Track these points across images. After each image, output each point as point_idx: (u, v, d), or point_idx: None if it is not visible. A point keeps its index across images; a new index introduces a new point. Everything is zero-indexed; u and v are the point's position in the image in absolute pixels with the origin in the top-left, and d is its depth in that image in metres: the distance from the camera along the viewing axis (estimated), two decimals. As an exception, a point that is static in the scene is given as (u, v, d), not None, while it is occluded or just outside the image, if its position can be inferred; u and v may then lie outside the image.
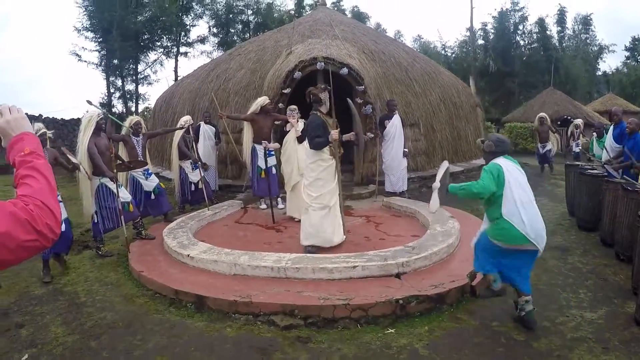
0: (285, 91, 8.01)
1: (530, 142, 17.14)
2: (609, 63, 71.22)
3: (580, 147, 12.09)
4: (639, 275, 4.08)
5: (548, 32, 28.53)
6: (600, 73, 33.83)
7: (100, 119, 5.34)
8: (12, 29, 55.42)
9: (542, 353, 3.27)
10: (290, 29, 10.29)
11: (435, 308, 3.95)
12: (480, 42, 28.95)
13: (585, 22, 31.33)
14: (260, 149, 6.99)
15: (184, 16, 25.61)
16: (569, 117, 16.30)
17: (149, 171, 6.64)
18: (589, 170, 6.75)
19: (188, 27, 25.99)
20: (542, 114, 12.13)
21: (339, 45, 8.86)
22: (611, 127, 7.28)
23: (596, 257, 5.35)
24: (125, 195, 5.60)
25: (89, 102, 5.42)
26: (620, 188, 5.22)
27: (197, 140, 7.80)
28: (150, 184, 6.54)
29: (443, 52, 31.53)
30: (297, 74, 7.93)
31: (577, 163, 8.08)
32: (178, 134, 7.36)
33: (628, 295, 4.18)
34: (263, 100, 7.14)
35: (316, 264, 4.29)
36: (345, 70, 7.89)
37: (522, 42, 28.68)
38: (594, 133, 8.36)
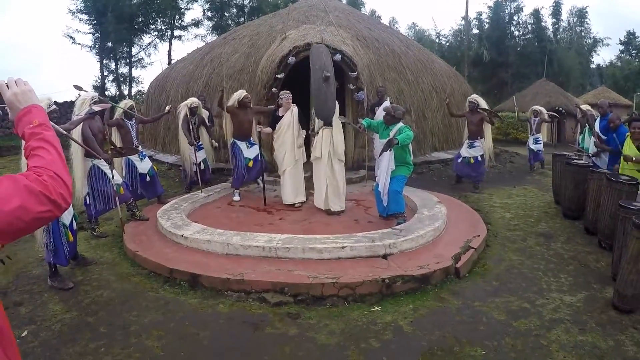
0: (279, 76, 8.08)
1: (521, 132, 17.29)
2: (603, 56, 71.66)
3: (541, 144, 10.60)
4: (618, 262, 4.20)
5: (543, 24, 28.58)
6: (594, 66, 34.04)
7: (93, 101, 5.38)
8: (9, 13, 54.44)
9: (521, 332, 3.43)
10: (285, 14, 10.31)
11: (420, 288, 4.12)
12: (475, 31, 28.94)
13: (581, 14, 31.37)
14: (241, 144, 7.00)
15: (179, -1, 25.47)
16: (561, 109, 16.43)
17: (143, 153, 6.74)
18: (574, 160, 6.84)
19: (182, 10, 25.81)
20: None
21: (333, 32, 8.93)
22: (598, 119, 7.37)
23: (579, 245, 5.50)
24: (116, 177, 5.69)
25: (78, 88, 5.43)
26: (604, 178, 5.35)
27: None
28: (145, 166, 6.65)
29: (437, 40, 31.50)
30: (291, 59, 7.99)
31: (564, 153, 8.07)
32: (181, 116, 7.46)
33: (607, 281, 4.31)
34: (239, 94, 7.01)
35: (306, 244, 4.45)
36: (338, 57, 7.96)
37: (516, 33, 28.68)
38: (586, 125, 8.49)
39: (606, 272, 4.56)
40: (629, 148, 5.54)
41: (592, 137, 7.43)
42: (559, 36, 30.32)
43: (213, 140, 8.11)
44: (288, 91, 6.75)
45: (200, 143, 7.74)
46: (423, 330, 3.46)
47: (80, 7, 22.10)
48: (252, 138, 7.07)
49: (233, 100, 7.01)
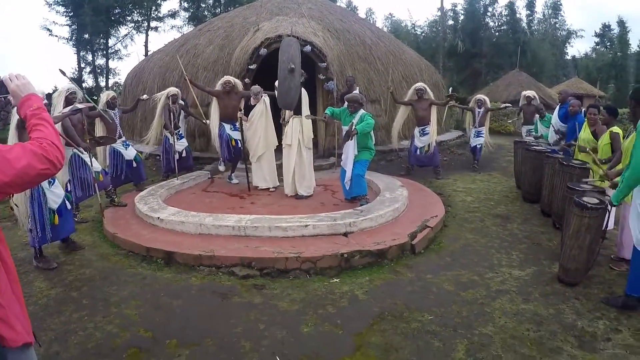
0: (251, 67, 8.41)
1: (493, 121, 17.76)
2: (579, 48, 72.98)
3: (482, 139, 9.46)
4: (564, 239, 4.32)
5: (518, 16, 29.29)
6: (569, 57, 34.88)
7: (69, 94, 5.63)
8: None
9: (468, 301, 3.76)
10: (259, 6, 10.57)
11: (377, 262, 4.53)
12: (450, 22, 29.45)
13: (555, 7, 32.17)
14: (226, 126, 7.32)
15: (156, -11, 25.33)
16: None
17: (127, 142, 7.05)
18: (533, 146, 7.13)
19: (159, 1, 25.73)
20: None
21: (304, 24, 9.25)
22: (557, 107, 7.65)
23: (534, 225, 5.83)
24: (95, 165, 5.95)
25: (62, 72, 5.63)
26: (557, 162, 5.66)
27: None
28: (131, 153, 7.00)
29: (413, 31, 31.93)
30: (263, 51, 8.31)
31: (525, 140, 8.24)
32: (160, 105, 7.69)
33: (557, 258, 4.51)
34: (222, 80, 7.34)
35: (272, 223, 4.84)
36: (308, 48, 8.30)
37: (491, 24, 29.36)
38: (537, 115, 8.95)
39: (557, 250, 4.81)
40: (584, 133, 5.78)
41: (551, 126, 7.75)
42: (533, 28, 31.04)
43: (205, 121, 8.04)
44: (258, 86, 7.05)
45: (180, 132, 8.02)
46: (376, 298, 3.82)
47: None
48: (237, 123, 7.29)
49: (218, 85, 7.39)
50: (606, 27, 35.44)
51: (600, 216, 3.92)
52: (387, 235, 4.93)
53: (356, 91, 8.36)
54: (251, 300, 3.79)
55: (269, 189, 7.11)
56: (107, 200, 6.42)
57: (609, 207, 3.92)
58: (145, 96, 7.71)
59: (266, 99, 7.00)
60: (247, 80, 8.32)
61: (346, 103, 6.15)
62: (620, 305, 3.62)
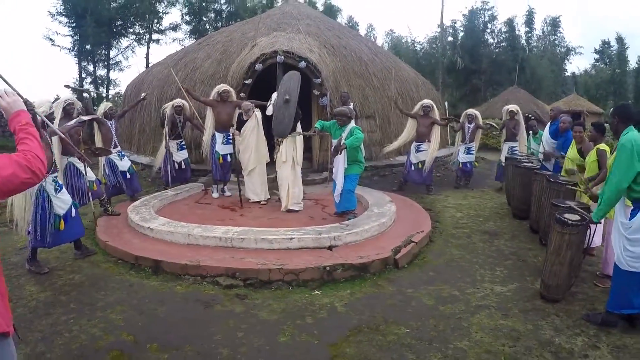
0: (246, 82, 8.60)
1: (490, 138, 17.92)
2: (578, 65, 73.56)
3: (473, 156, 9.24)
4: (547, 255, 4.31)
5: (517, 32, 29.63)
6: (569, 74, 35.17)
7: (67, 105, 5.78)
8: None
9: (446, 315, 3.81)
10: (258, 22, 10.80)
11: (359, 276, 4.62)
12: (450, 38, 29.81)
13: (554, 23, 32.54)
14: (219, 136, 7.49)
15: (157, 3, 25.80)
16: (530, 115, 17.10)
17: (122, 153, 7.23)
18: (523, 163, 7.15)
19: (161, 14, 26.23)
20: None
21: (301, 39, 9.47)
22: (548, 124, 7.63)
23: (522, 242, 5.87)
24: (90, 174, 6.10)
25: (67, 86, 5.82)
26: (544, 179, 5.71)
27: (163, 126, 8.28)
28: (125, 164, 7.16)
29: (412, 47, 32.31)
30: (258, 66, 8.51)
31: (516, 157, 8.03)
32: (167, 115, 7.98)
33: (541, 274, 4.39)
34: (219, 88, 7.56)
35: (258, 235, 4.97)
36: (303, 64, 8.50)
37: (490, 41, 29.73)
38: (530, 131, 9.05)
39: (542, 267, 4.60)
40: (571, 151, 5.85)
41: (541, 142, 7.80)
42: (532, 44, 31.36)
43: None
44: (249, 102, 7.24)
45: (183, 142, 8.19)
46: (355, 310, 3.89)
47: (60, 9, 22.46)
48: (230, 133, 7.43)
49: (214, 93, 7.58)
50: (605, 44, 35.79)
51: (581, 233, 3.98)
52: (371, 250, 5.03)
53: (350, 106, 8.55)
54: (233, 309, 3.90)
55: (260, 202, 7.24)
56: (101, 209, 6.55)
57: (591, 223, 3.93)
58: (143, 94, 8.08)
59: (258, 114, 7.17)
60: (242, 94, 8.49)
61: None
62: (600, 322, 3.64)
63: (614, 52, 33.93)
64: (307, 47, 9.09)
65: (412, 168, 8.72)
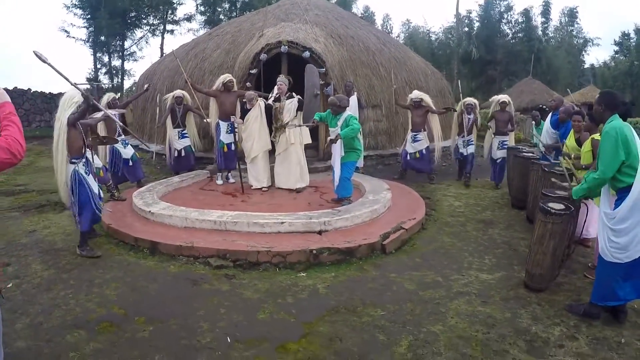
0: (252, 72, 8.79)
1: None
2: (597, 56, 71.36)
3: (472, 147, 8.76)
4: (531, 244, 4.31)
5: (533, 23, 29.07)
6: (587, 66, 34.36)
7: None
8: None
9: (425, 300, 3.89)
10: (267, 12, 10.97)
11: (345, 260, 4.78)
12: (465, 29, 29.43)
13: (572, 14, 31.76)
14: (223, 125, 7.74)
15: (172, -6, 26.17)
16: (544, 107, 16.90)
17: (127, 141, 7.51)
18: (522, 153, 7.19)
19: (175, 5, 26.52)
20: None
21: (307, 30, 9.58)
22: (550, 114, 7.60)
23: (516, 231, 5.89)
24: (97, 161, 6.38)
25: (75, 85, 6.00)
26: (540, 169, 5.73)
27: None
28: (128, 152, 7.44)
29: (427, 37, 31.99)
30: (263, 56, 8.68)
31: (518, 147, 8.09)
32: (167, 105, 8.39)
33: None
34: (224, 77, 7.80)
35: (250, 220, 5.19)
36: (307, 54, 8.63)
37: (506, 31, 29.26)
38: (533, 121, 8.99)
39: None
40: (569, 140, 5.83)
41: (543, 132, 7.78)
42: (548, 35, 30.73)
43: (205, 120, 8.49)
44: (252, 92, 7.48)
45: (184, 131, 8.48)
46: (336, 292, 4.04)
47: (75, 1, 23.04)
48: (234, 122, 7.70)
49: (218, 83, 7.82)
50: (625, 36, 34.76)
51: (564, 222, 3.96)
52: (360, 235, 5.18)
53: (354, 96, 8.68)
54: (219, 288, 4.13)
55: (261, 188, 7.46)
56: (108, 195, 6.87)
57: (578, 212, 3.94)
58: (146, 86, 8.46)
59: (261, 103, 7.35)
60: (248, 84, 8.68)
61: None
62: (582, 313, 3.62)
63: (633, 43, 32.94)
64: (312, 37, 9.21)
65: (409, 157, 8.83)
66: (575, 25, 31.89)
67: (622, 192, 3.35)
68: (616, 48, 34.70)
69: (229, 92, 7.75)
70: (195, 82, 9.44)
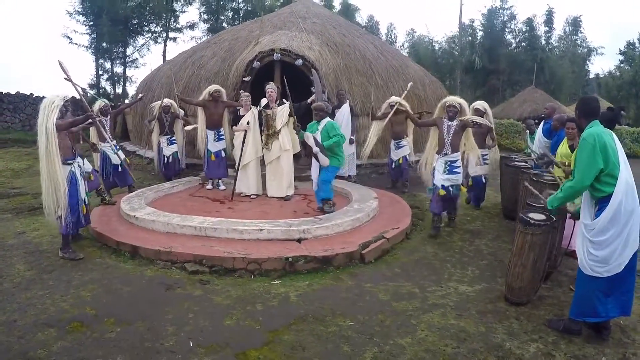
0: (245, 79, 8.90)
1: (505, 138, 17.65)
2: (602, 66, 70.72)
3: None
4: (511, 256, 4.19)
5: (536, 32, 29.03)
6: (592, 76, 34.13)
7: (64, 104, 6.11)
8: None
9: (397, 311, 3.85)
10: (265, 20, 11.10)
11: (322, 268, 4.78)
12: (468, 38, 29.46)
13: (575, 23, 31.65)
14: (210, 134, 7.85)
15: (174, 2, 26.44)
16: (544, 115, 16.76)
17: (117, 146, 7.62)
18: (513, 162, 7.08)
19: (178, 12, 26.85)
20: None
21: (302, 38, 9.69)
22: (542, 123, 7.54)
23: (504, 242, 5.76)
24: (87, 166, 6.48)
25: (60, 64, 5.96)
26: (529, 178, 5.52)
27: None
28: (118, 158, 7.52)
29: (430, 46, 32.05)
30: (256, 64, 8.81)
31: (512, 156, 7.89)
32: (154, 113, 8.59)
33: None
34: (210, 88, 7.94)
35: (230, 226, 5.25)
36: (300, 62, 8.74)
37: (509, 40, 29.26)
38: (527, 130, 8.94)
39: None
40: (562, 147, 5.75)
41: (535, 141, 7.58)
42: (552, 44, 30.61)
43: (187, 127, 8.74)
44: (248, 93, 7.59)
45: (173, 137, 8.62)
46: (306, 301, 4.02)
47: (77, 8, 23.50)
48: (222, 130, 7.90)
49: (205, 93, 7.94)
50: (630, 45, 34.47)
51: (545, 233, 3.87)
52: (339, 244, 5.19)
53: (346, 104, 8.73)
54: (191, 293, 4.18)
55: (250, 196, 7.53)
56: (99, 199, 6.97)
57: (560, 223, 3.90)
58: (140, 95, 8.86)
59: (255, 110, 7.44)
60: (241, 91, 8.78)
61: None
62: (562, 328, 3.49)
63: (638, 53, 32.67)
64: (307, 45, 9.31)
65: (393, 166, 8.71)
66: (579, 35, 31.80)
67: (602, 202, 3.22)
68: (621, 57, 34.48)
69: (216, 102, 7.87)
70: (192, 89, 9.63)
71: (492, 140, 7.45)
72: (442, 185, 5.94)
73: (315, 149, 6.32)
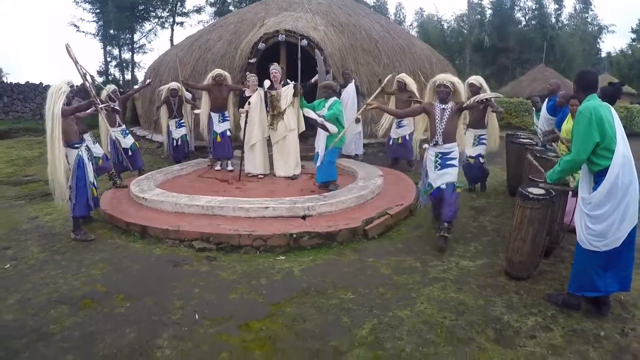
0: (251, 61, 8.94)
1: (514, 117, 17.40)
2: (614, 44, 68.51)
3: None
4: (511, 231, 4.17)
5: (546, 10, 28.38)
6: (604, 54, 33.39)
7: (70, 92, 6.20)
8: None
9: (397, 285, 3.89)
10: (270, 2, 11.06)
11: (326, 244, 4.87)
12: (477, 16, 28.91)
13: (585, 1, 30.80)
14: (215, 116, 7.94)
15: (181, -14, 26.30)
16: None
17: (126, 131, 7.78)
18: (518, 139, 6.97)
19: None
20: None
21: (307, 18, 9.66)
22: (546, 100, 7.42)
23: (508, 219, 5.58)
24: (97, 150, 6.64)
25: (67, 48, 6.03)
26: (533, 154, 5.42)
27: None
28: (128, 141, 7.70)
29: (439, 25, 31.51)
30: (261, 45, 8.85)
31: (518, 133, 7.81)
32: (162, 96, 8.68)
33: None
34: (213, 72, 8.00)
35: (236, 205, 5.37)
36: (304, 42, 8.72)
37: (518, 18, 28.66)
38: (533, 107, 8.83)
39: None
40: (566, 124, 5.67)
41: (540, 117, 7.57)
42: (562, 22, 29.93)
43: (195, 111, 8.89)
44: (254, 75, 7.63)
45: (181, 120, 8.73)
46: (310, 275, 4.12)
47: None
48: (226, 112, 8.00)
49: (209, 78, 8.01)
50: (642, 22, 33.53)
51: (544, 207, 3.87)
52: (343, 220, 5.28)
53: (351, 84, 8.73)
54: (198, 269, 4.32)
55: (257, 175, 7.63)
56: (111, 182, 7.15)
57: (561, 198, 3.87)
58: (148, 81, 9.03)
59: (261, 91, 7.49)
60: (247, 73, 8.81)
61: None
62: (561, 303, 3.50)
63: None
64: (311, 26, 9.29)
65: (391, 143, 8.64)
66: (590, 12, 30.95)
67: (599, 176, 3.20)
68: (633, 36, 33.50)
69: (220, 86, 7.93)
70: (199, 72, 9.70)
71: (537, 109, 7.15)
72: (430, 185, 5.07)
73: (320, 119, 6.42)
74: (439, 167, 4.96)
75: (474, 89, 6.44)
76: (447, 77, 5.13)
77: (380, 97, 9.56)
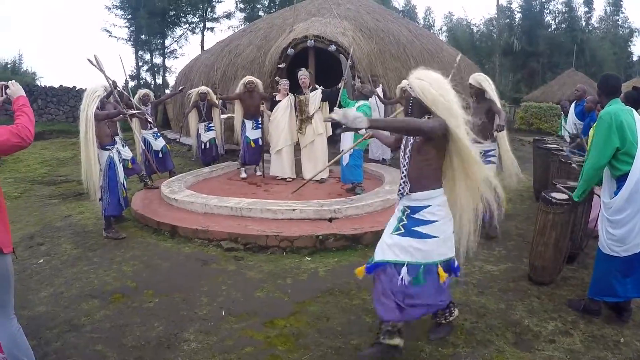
0: (280, 66, 9.06)
1: (544, 122, 17.05)
2: None
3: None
4: (533, 236, 4.16)
5: (576, 13, 27.76)
6: (636, 58, 32.29)
7: (104, 96, 6.33)
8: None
9: None
10: (299, 8, 11.20)
11: (351, 246, 4.91)
12: (506, 20, 28.48)
13: (616, 3, 29.94)
14: (248, 123, 7.98)
15: (211, -8, 26.82)
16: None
17: (158, 133, 7.99)
18: (545, 144, 6.96)
19: (214, 2, 27.13)
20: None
21: (336, 24, 9.72)
22: (573, 104, 7.41)
23: (534, 224, 5.60)
24: (127, 153, 6.82)
25: (90, 61, 6.24)
26: (558, 160, 5.52)
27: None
28: (159, 144, 7.90)
29: (469, 29, 31.13)
30: (290, 51, 8.94)
31: (544, 138, 7.74)
32: (191, 100, 8.77)
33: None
34: (244, 80, 8.00)
35: (264, 206, 5.44)
36: (333, 47, 8.79)
37: (548, 22, 28.06)
38: (562, 112, 8.64)
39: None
40: (594, 130, 5.72)
41: (568, 123, 7.47)
42: (592, 25, 29.18)
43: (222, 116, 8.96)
44: (286, 80, 7.72)
45: (210, 124, 8.89)
46: (334, 276, 4.17)
47: (115, 3, 24.30)
48: (259, 119, 8.04)
49: (240, 86, 8.07)
50: (680, 25, 32.20)
51: (566, 212, 3.83)
52: (368, 223, 5.30)
53: (379, 89, 8.75)
54: (226, 268, 4.41)
55: (285, 179, 7.71)
56: (142, 184, 7.36)
57: (586, 203, 3.81)
58: (181, 87, 9.17)
59: (291, 96, 7.59)
60: (277, 78, 8.93)
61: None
62: (582, 309, 3.47)
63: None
64: (340, 31, 9.34)
65: None
66: (620, 15, 30.06)
67: (620, 181, 3.18)
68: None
69: (251, 93, 7.91)
70: (230, 77, 9.90)
71: (500, 125, 4.73)
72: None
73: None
74: (403, 231, 2.92)
75: (474, 90, 5.18)
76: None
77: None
